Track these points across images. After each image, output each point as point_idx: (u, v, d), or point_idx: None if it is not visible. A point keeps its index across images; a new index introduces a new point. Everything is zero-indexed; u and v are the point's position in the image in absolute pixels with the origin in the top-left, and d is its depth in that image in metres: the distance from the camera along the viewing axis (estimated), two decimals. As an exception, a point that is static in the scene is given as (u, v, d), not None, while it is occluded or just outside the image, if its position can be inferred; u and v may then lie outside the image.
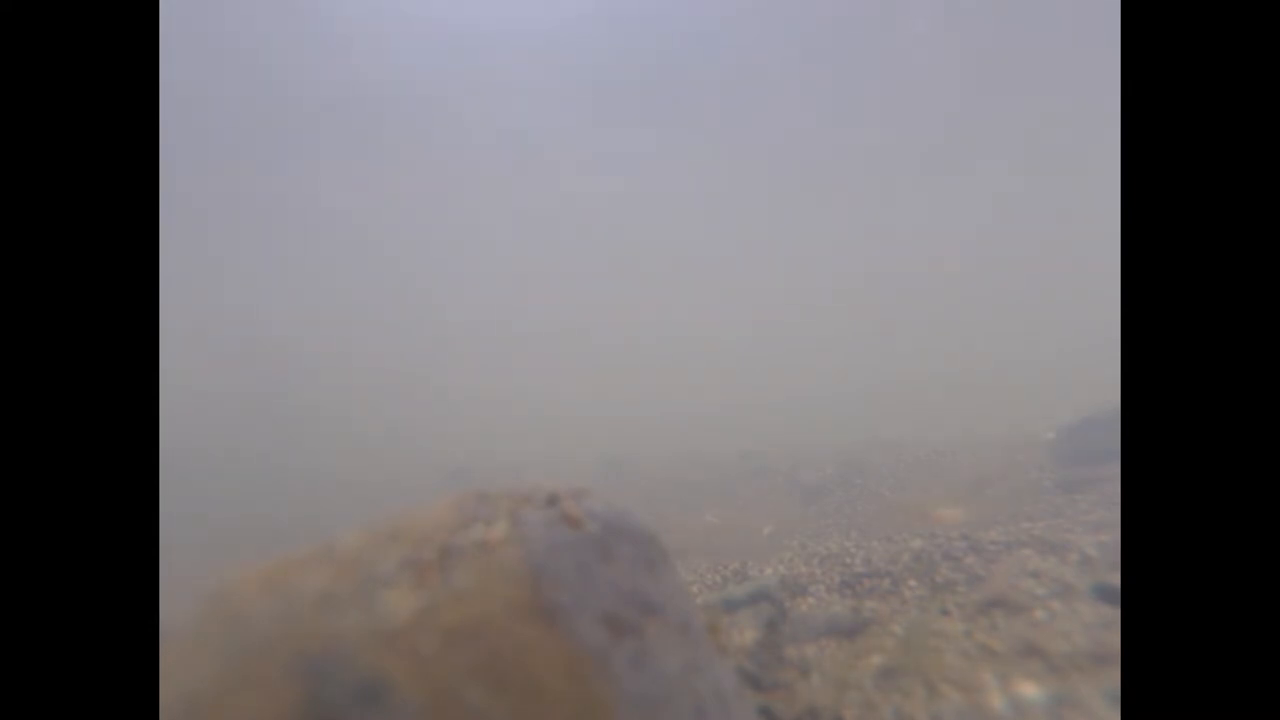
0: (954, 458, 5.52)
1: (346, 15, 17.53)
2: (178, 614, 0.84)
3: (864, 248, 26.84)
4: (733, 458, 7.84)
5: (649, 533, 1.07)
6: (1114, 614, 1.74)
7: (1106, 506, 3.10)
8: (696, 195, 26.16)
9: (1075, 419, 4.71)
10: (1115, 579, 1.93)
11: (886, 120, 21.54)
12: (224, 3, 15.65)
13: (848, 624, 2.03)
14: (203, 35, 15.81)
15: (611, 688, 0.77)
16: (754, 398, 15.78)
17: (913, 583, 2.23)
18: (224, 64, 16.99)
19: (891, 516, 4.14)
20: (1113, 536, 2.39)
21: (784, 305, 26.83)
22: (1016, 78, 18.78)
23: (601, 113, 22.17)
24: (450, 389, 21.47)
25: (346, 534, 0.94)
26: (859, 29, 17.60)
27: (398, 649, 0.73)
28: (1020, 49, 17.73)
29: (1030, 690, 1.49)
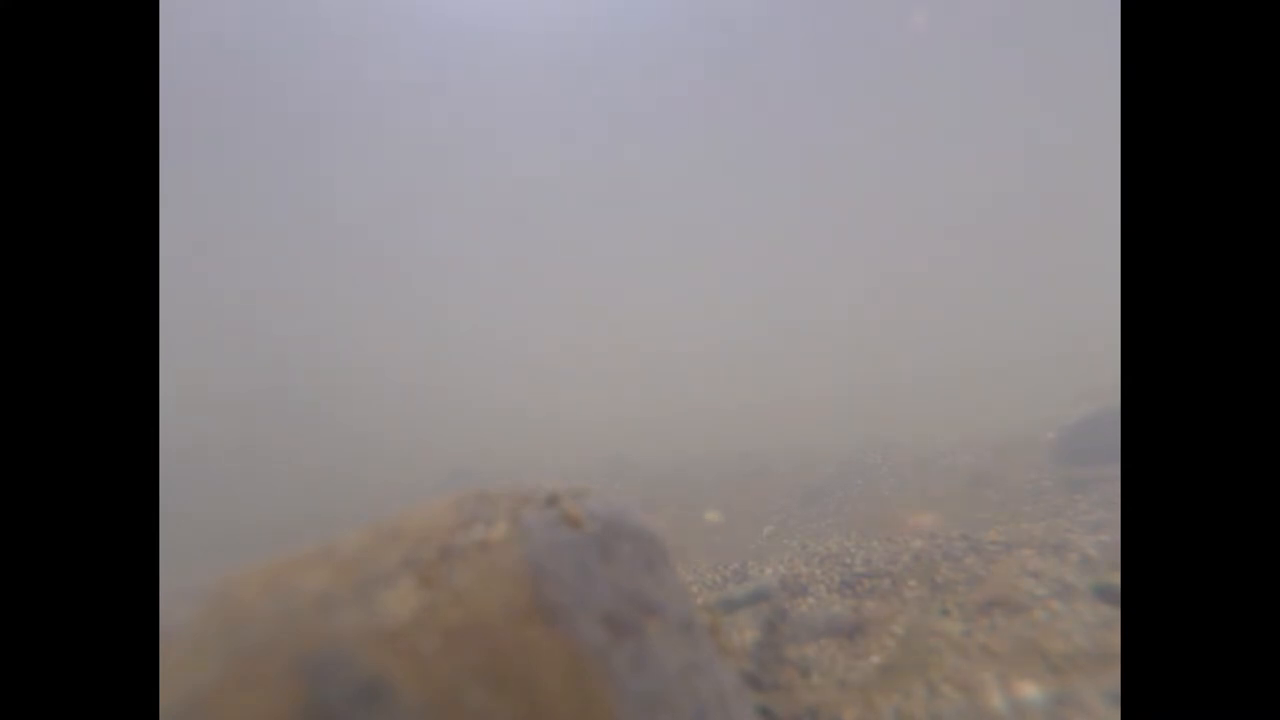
0: (954, 458, 5.52)
1: (348, 14, 17.52)
2: (178, 614, 0.84)
3: (864, 248, 26.84)
4: (733, 458, 7.83)
5: (649, 532, 1.07)
6: (1114, 614, 1.74)
7: (1106, 506, 3.10)
8: (698, 194, 26.15)
9: (1075, 419, 4.71)
10: (1115, 579, 1.93)
11: (886, 118, 21.53)
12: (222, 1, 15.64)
13: (848, 624, 2.03)
14: (202, 34, 15.80)
15: (611, 688, 0.77)
16: (754, 398, 15.78)
17: (913, 583, 2.23)
18: (225, 63, 16.98)
19: (895, 518, 4.13)
20: (1113, 536, 2.39)
21: (784, 306, 26.85)
22: (1015, 71, 18.78)
23: (604, 106, 22.16)
24: (451, 389, 21.48)
25: (347, 534, 0.94)
26: (860, 27, 17.60)
27: (398, 649, 0.73)
28: (1016, 49, 17.73)
29: (1030, 690, 1.49)
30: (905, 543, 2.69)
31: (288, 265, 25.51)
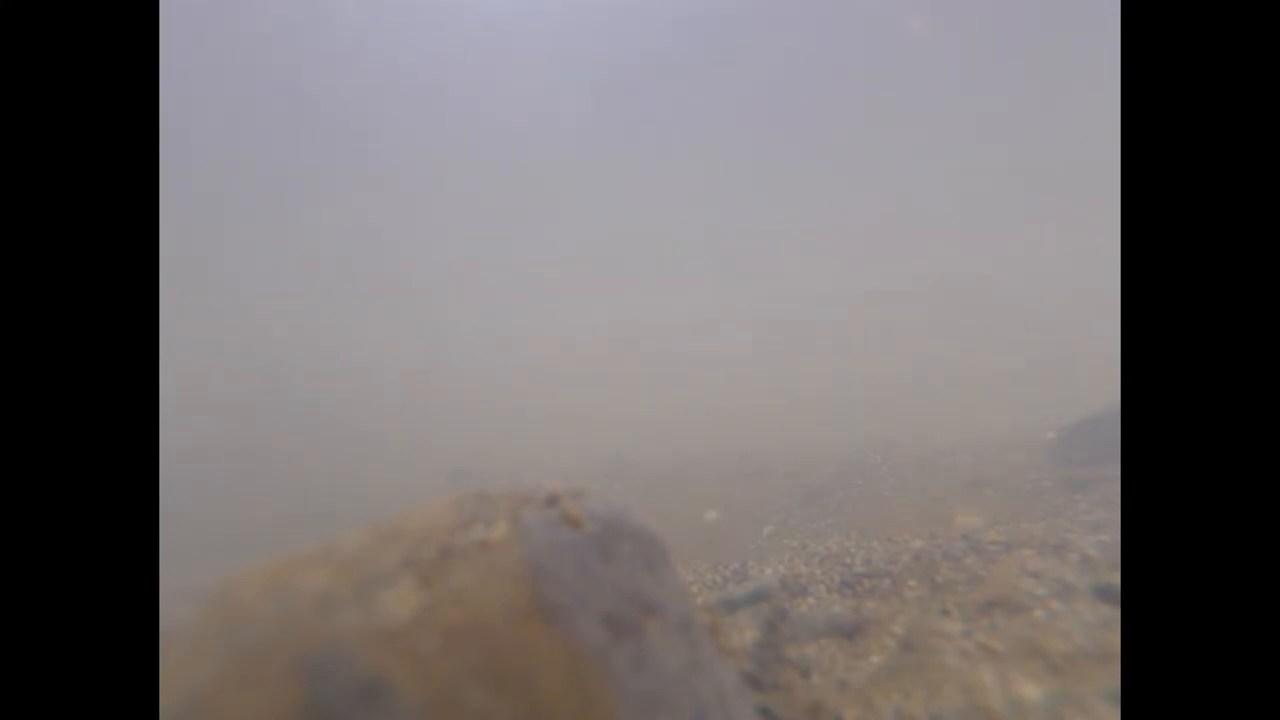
0: (954, 458, 5.52)
1: (344, 10, 17.52)
2: (178, 614, 0.84)
3: (865, 248, 26.85)
4: (733, 458, 7.83)
5: (649, 532, 1.07)
6: (1114, 614, 1.74)
7: (1106, 506, 3.10)
8: (698, 193, 26.17)
9: (1075, 419, 4.71)
10: (1115, 579, 1.93)
11: (888, 118, 21.54)
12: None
13: (848, 624, 2.03)
14: (202, 33, 15.80)
15: (611, 688, 0.77)
16: (755, 399, 15.79)
17: (913, 583, 2.23)
18: (227, 63, 16.98)
19: (897, 518, 4.13)
20: (1113, 536, 2.39)
21: (784, 306, 26.86)
22: (1016, 74, 18.80)
23: (604, 106, 22.17)
24: (451, 390, 21.48)
25: (347, 534, 0.94)
26: (859, 26, 17.62)
27: (398, 649, 0.73)
28: (1015, 51, 17.74)
29: (1030, 690, 1.49)
30: (905, 543, 2.69)
31: (288, 265, 25.51)
